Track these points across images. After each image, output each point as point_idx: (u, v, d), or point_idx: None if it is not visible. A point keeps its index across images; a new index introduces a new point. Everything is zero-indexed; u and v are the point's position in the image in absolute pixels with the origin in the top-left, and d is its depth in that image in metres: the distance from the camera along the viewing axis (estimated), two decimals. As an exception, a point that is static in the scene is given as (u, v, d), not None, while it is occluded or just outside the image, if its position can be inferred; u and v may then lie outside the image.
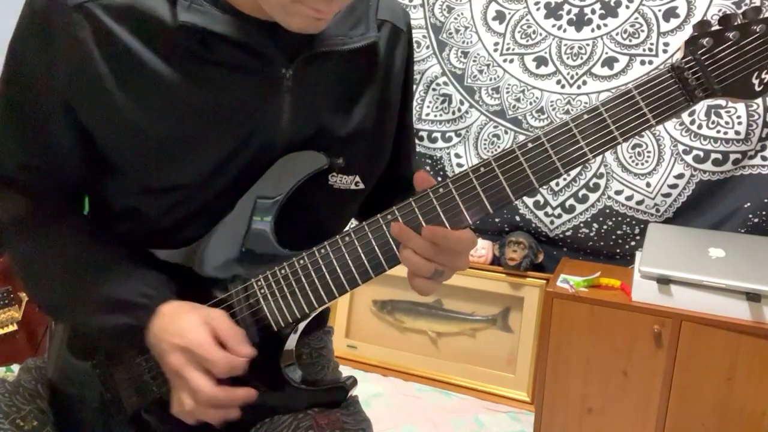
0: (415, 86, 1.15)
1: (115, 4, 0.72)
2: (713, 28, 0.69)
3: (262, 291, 0.79)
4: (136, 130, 0.74)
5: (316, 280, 0.78)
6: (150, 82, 0.73)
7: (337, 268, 0.77)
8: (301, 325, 0.82)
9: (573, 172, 2.14)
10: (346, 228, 0.83)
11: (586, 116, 0.71)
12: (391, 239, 0.76)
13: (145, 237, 0.83)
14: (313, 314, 0.81)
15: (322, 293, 0.78)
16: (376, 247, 0.76)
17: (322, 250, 0.78)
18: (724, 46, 0.69)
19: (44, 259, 0.80)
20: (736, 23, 0.69)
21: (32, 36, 0.73)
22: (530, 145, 0.72)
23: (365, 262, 0.77)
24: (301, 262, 0.78)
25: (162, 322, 0.75)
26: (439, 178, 2.37)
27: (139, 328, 0.76)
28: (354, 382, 0.89)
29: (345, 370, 1.02)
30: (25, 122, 0.77)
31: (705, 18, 1.92)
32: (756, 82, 0.68)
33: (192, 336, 0.73)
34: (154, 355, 0.77)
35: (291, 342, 0.83)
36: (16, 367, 2.06)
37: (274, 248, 0.80)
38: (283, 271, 0.79)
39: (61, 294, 0.80)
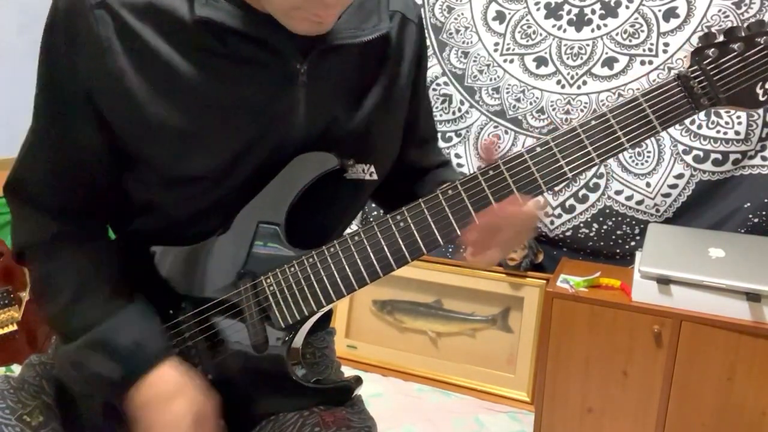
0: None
1: (136, 1, 0.74)
2: (719, 40, 0.71)
3: (271, 288, 0.80)
4: (155, 123, 0.76)
5: (325, 279, 0.79)
6: (169, 76, 0.75)
7: (346, 267, 0.78)
8: (309, 323, 0.83)
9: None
10: (355, 228, 0.84)
11: (594, 122, 0.72)
12: (400, 240, 0.76)
13: (162, 231, 0.84)
14: (321, 312, 0.81)
15: (331, 291, 0.79)
16: (385, 247, 0.77)
17: (332, 249, 0.79)
18: (729, 56, 0.71)
19: (51, 282, 0.82)
20: (740, 35, 0.71)
21: (57, 34, 0.76)
22: (538, 149, 0.74)
23: (374, 261, 0.78)
24: (311, 260, 0.79)
25: (155, 390, 0.76)
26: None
27: (123, 382, 0.76)
28: (359, 380, 0.90)
29: (345, 370, 1.03)
30: (54, 121, 0.79)
31: (707, 23, 1.93)
32: (760, 92, 0.70)
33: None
34: (138, 411, 0.77)
35: (298, 340, 0.84)
36: (16, 368, 2.06)
37: (277, 257, 0.81)
38: (292, 269, 0.80)
39: (59, 323, 0.81)
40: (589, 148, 0.72)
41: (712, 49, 0.71)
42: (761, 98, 0.70)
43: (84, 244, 0.84)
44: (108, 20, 0.73)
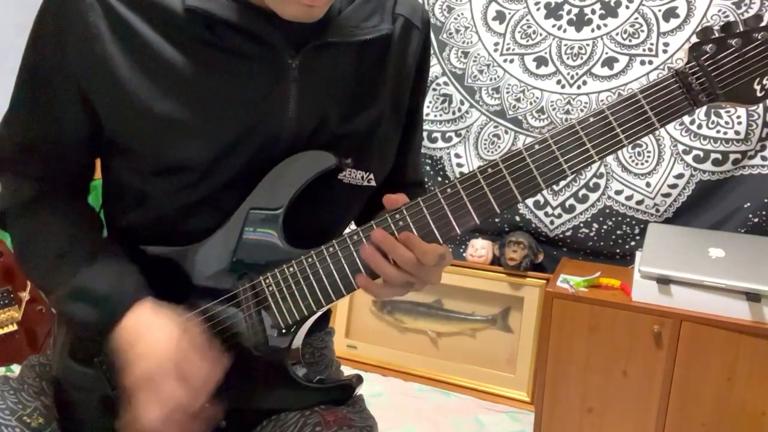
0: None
1: None
2: (716, 36, 0.71)
3: (270, 289, 0.80)
4: (143, 109, 0.76)
5: (324, 278, 0.78)
6: (158, 64, 0.75)
7: (346, 267, 0.78)
8: (308, 323, 0.83)
9: (573, 172, 2.15)
10: (353, 227, 0.83)
11: (592, 119, 0.72)
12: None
13: (153, 227, 0.84)
14: (321, 311, 0.81)
15: (330, 291, 0.79)
16: None
17: (331, 249, 0.78)
18: (727, 52, 0.70)
19: (36, 239, 0.83)
20: (738, 31, 0.70)
21: (48, 19, 0.77)
22: (537, 147, 0.73)
23: None
24: (309, 260, 0.79)
25: (134, 325, 0.75)
26: (439, 179, 2.38)
27: (104, 325, 0.77)
28: (360, 379, 0.90)
29: (345, 370, 1.03)
30: (37, 101, 0.81)
31: (707, 23, 1.93)
32: (758, 87, 0.70)
33: (174, 346, 0.73)
34: (120, 353, 0.76)
35: (297, 340, 0.83)
36: (16, 367, 2.06)
37: (274, 254, 0.80)
38: (291, 269, 0.79)
39: (45, 277, 0.82)
40: (588, 146, 0.72)
41: (710, 45, 0.70)
42: (759, 94, 0.70)
43: (64, 205, 0.85)
44: (97, 7, 0.74)
